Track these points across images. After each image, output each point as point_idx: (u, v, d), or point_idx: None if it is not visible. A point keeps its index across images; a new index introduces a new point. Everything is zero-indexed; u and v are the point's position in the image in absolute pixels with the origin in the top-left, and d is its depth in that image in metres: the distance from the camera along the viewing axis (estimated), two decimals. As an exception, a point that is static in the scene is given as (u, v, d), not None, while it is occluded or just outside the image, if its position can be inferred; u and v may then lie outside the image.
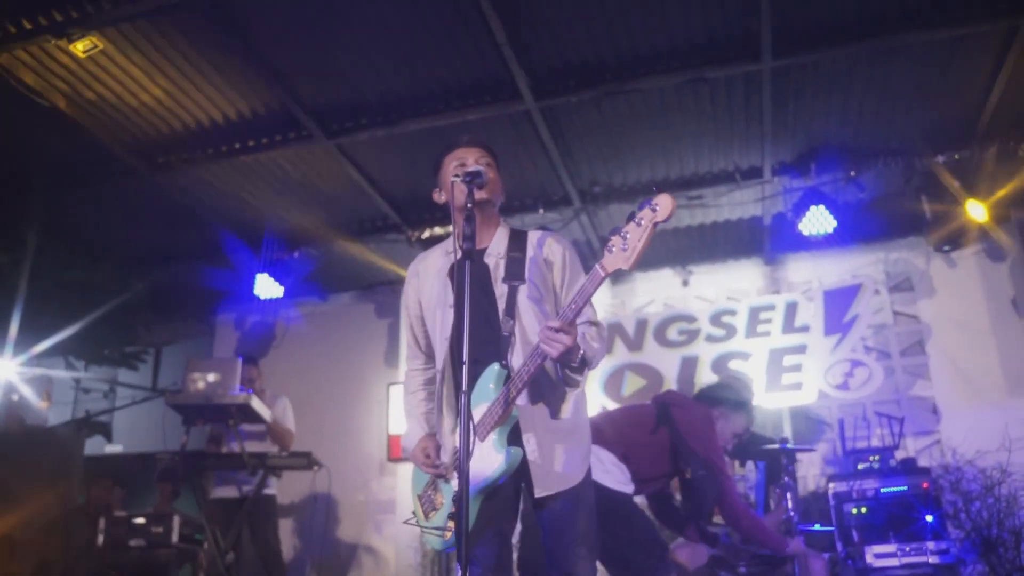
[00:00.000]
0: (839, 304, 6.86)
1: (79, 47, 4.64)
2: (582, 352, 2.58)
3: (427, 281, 2.99)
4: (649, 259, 7.56)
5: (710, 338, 7.04)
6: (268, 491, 6.07)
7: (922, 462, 6.23)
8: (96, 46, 4.69)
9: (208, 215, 6.73)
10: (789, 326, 6.90)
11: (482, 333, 2.66)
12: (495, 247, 2.88)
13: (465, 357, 2.39)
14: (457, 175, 2.68)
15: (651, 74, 5.28)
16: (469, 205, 2.60)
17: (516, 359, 2.68)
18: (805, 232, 6.27)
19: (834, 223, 6.20)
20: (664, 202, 2.35)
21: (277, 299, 7.24)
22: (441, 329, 2.88)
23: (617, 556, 3.87)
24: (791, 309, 6.94)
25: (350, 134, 5.80)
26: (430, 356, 3.04)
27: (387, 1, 4.72)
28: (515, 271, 2.81)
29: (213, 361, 6.62)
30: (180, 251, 7.27)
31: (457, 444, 2.70)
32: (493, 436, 2.63)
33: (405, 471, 7.38)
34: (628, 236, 2.39)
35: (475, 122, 5.57)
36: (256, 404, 5.77)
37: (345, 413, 7.55)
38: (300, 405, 6.58)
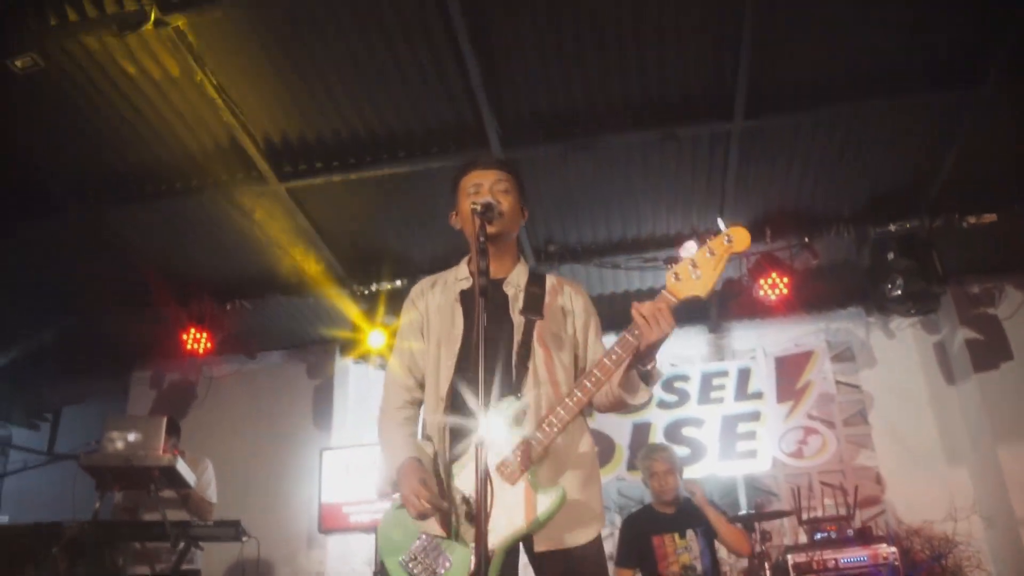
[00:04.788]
0: (791, 370, 6.83)
1: (18, 64, 4.22)
2: (654, 363, 2.45)
3: (434, 311, 2.76)
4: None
5: (662, 404, 6.87)
6: (190, 566, 5.50)
7: (871, 532, 6.16)
8: (36, 64, 4.28)
9: (136, 260, 6.21)
10: (742, 393, 6.81)
11: (494, 364, 2.49)
12: (515, 278, 2.73)
13: (481, 382, 2.18)
14: (475, 205, 2.50)
15: (623, 129, 5.20)
16: (481, 239, 2.44)
17: (530, 392, 2.49)
18: (761, 298, 6.23)
19: (787, 290, 6.20)
20: (740, 235, 2.29)
21: (201, 356, 6.74)
22: (445, 359, 2.64)
23: None
24: (743, 375, 6.86)
25: (304, 178, 5.47)
26: (419, 386, 2.77)
27: (360, 37, 4.53)
28: (533, 305, 2.65)
29: (134, 419, 6.05)
30: (98, 298, 6.65)
31: (461, 494, 2.43)
32: (527, 476, 2.37)
33: (336, 544, 6.86)
34: (699, 264, 2.29)
35: (437, 171, 5.35)
36: (182, 468, 5.26)
37: (273, 480, 6.99)
38: (224, 471, 6.02)
